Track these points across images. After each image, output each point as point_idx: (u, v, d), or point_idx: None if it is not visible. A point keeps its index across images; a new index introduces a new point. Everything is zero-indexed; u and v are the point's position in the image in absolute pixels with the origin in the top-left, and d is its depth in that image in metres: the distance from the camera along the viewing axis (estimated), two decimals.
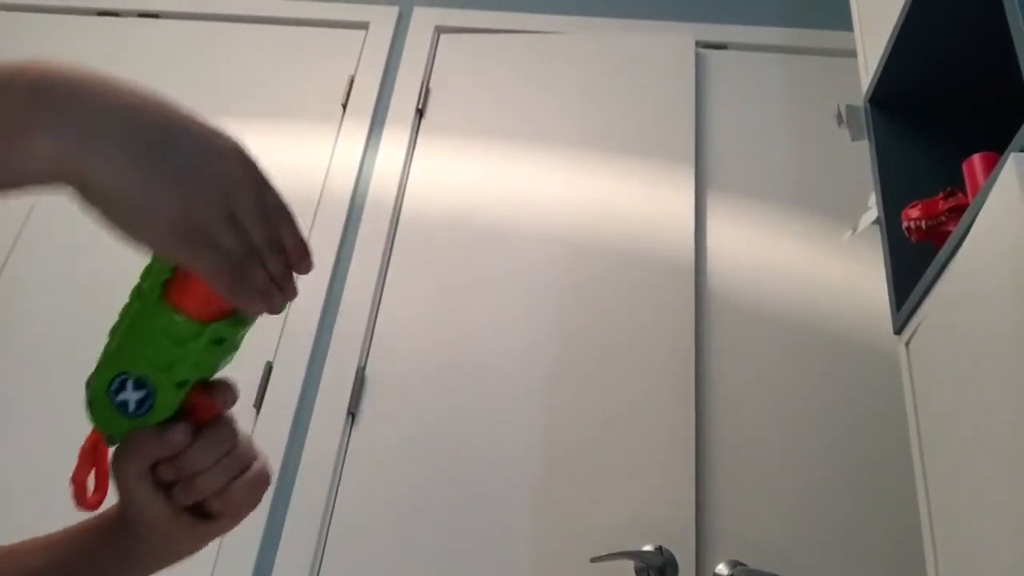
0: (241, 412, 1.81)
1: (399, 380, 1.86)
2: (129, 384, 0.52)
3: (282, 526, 1.71)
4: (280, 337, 1.90)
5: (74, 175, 0.42)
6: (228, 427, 0.56)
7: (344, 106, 2.22)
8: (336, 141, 2.17)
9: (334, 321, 1.92)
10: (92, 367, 0.54)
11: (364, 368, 1.87)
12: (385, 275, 1.99)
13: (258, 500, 0.57)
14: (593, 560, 1.58)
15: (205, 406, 0.55)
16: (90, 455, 0.55)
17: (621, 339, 1.86)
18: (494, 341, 1.88)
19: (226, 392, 0.56)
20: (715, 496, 1.71)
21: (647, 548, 1.62)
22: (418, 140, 2.18)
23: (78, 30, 2.39)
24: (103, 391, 0.53)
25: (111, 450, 0.55)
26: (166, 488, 0.55)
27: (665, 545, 1.63)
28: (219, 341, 0.53)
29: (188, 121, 0.48)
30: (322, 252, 2.01)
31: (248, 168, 0.51)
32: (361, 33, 2.35)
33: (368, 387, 1.85)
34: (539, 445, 1.77)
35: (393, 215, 2.06)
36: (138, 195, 0.43)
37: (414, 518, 1.72)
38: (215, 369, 0.55)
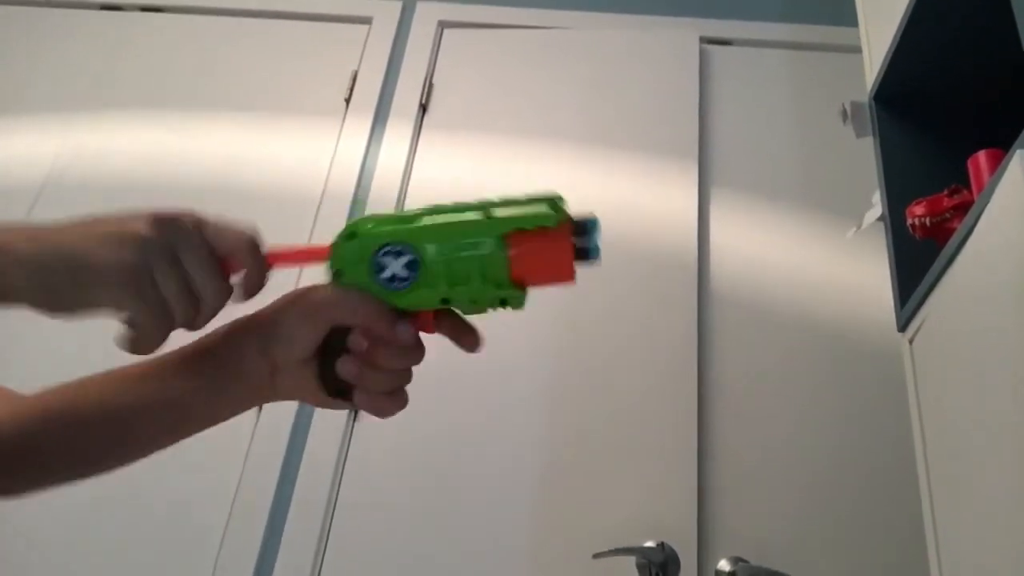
0: None
1: None
2: (404, 258, 0.54)
3: (284, 524, 1.71)
4: None
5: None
6: (422, 351, 0.59)
7: (347, 101, 2.22)
8: (339, 136, 2.16)
9: None
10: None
11: None
12: None
13: (391, 414, 0.59)
14: (595, 556, 1.58)
15: (426, 321, 0.57)
16: (305, 253, 0.57)
17: (624, 334, 1.86)
18: (496, 335, 1.87)
19: (473, 336, 0.60)
20: (717, 492, 1.71)
21: (649, 544, 1.62)
22: (421, 135, 2.18)
23: (82, 24, 2.39)
24: (376, 243, 0.54)
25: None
26: (325, 354, 0.56)
27: (667, 541, 1.62)
28: (504, 303, 0.56)
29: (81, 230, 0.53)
30: None
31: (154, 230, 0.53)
32: (364, 28, 2.35)
33: None
34: (541, 442, 1.77)
35: (396, 210, 2.05)
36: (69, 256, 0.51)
37: (416, 515, 1.72)
38: (474, 313, 0.58)
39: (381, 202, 2.06)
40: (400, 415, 2.03)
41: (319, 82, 2.26)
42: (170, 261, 0.51)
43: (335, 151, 2.14)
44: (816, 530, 1.68)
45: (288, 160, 2.13)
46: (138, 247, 0.50)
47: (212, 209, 2.08)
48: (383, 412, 0.59)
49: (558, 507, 1.70)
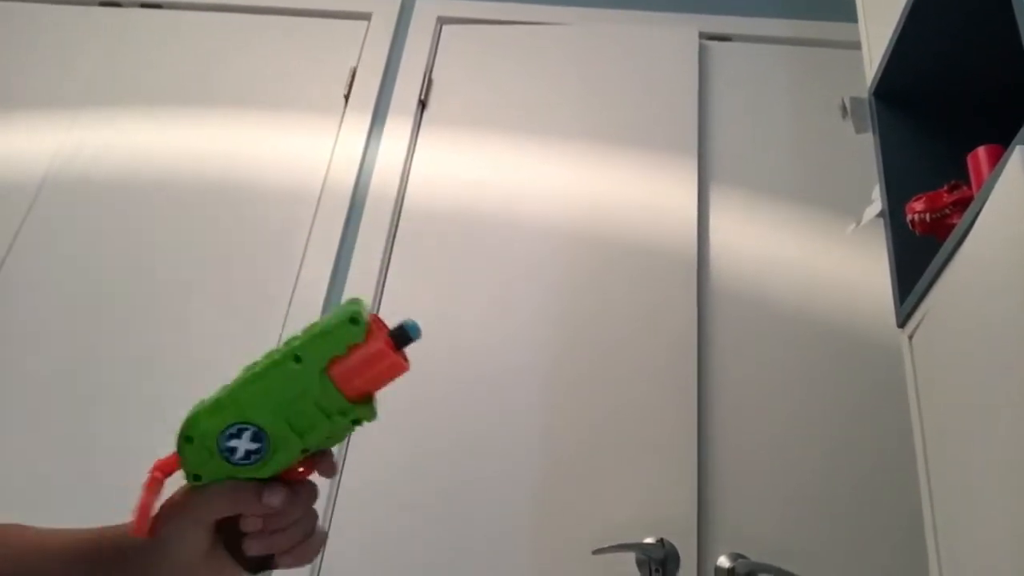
0: None
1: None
2: (247, 434, 0.54)
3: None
4: (282, 331, 1.90)
5: None
6: (313, 490, 0.59)
7: (346, 97, 2.22)
8: (338, 133, 2.16)
9: None
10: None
11: None
12: (387, 267, 1.99)
13: (315, 557, 0.60)
14: (595, 552, 1.58)
15: (297, 469, 0.57)
16: (159, 486, 0.55)
17: (623, 331, 1.86)
18: (496, 333, 1.88)
19: (329, 463, 0.58)
20: (717, 489, 1.71)
21: (649, 540, 1.62)
22: (420, 132, 2.18)
23: (81, 20, 2.39)
24: (214, 433, 0.54)
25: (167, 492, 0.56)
26: (230, 537, 0.56)
27: (667, 537, 1.63)
28: (356, 422, 0.56)
29: None
30: (324, 244, 2.01)
31: None
32: (363, 24, 2.34)
33: None
34: (541, 439, 1.77)
35: (395, 207, 2.05)
36: None
37: (416, 512, 1.72)
38: (334, 445, 0.58)
39: (380, 199, 2.06)
40: (402, 410, 2.04)
41: (318, 78, 2.25)
42: None
43: (334, 148, 2.14)
44: (816, 526, 1.68)
45: (287, 157, 2.13)
46: None
47: (212, 206, 2.08)
48: (305, 558, 0.59)
49: (558, 503, 1.70)
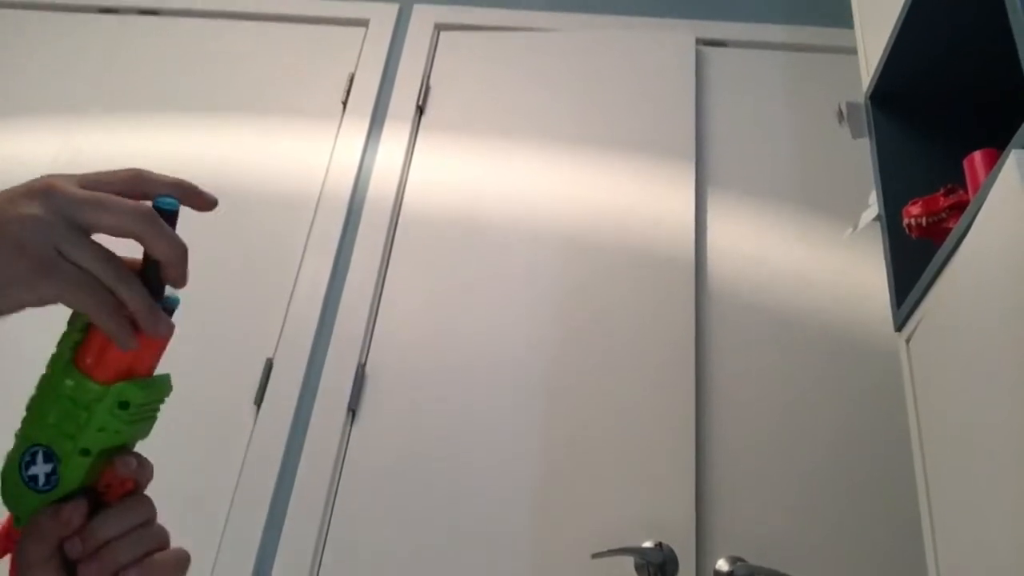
0: (242, 409, 1.82)
1: (400, 376, 1.86)
2: (39, 456, 0.50)
3: (283, 522, 1.71)
4: (281, 333, 1.90)
5: None
6: (143, 501, 0.53)
7: (344, 103, 2.22)
8: (336, 138, 2.17)
9: (334, 318, 1.92)
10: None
11: (364, 365, 1.87)
12: (385, 272, 1.99)
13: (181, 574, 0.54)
14: (594, 556, 1.58)
15: (116, 482, 0.52)
16: (3, 542, 0.52)
17: (621, 335, 1.86)
18: (494, 337, 1.88)
19: (134, 465, 0.52)
20: (715, 492, 1.72)
21: (647, 544, 1.62)
22: (418, 137, 2.18)
23: (79, 27, 2.39)
24: (15, 467, 0.51)
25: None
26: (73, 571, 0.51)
27: (665, 541, 1.63)
28: (124, 405, 0.51)
29: None
30: (322, 250, 2.01)
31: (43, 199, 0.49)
32: (361, 30, 2.35)
33: (368, 383, 1.85)
34: (539, 441, 1.77)
35: (393, 212, 2.06)
36: None
37: (414, 514, 1.72)
38: (125, 439, 0.52)
39: (379, 204, 2.06)
40: (400, 413, 2.04)
41: (316, 85, 2.26)
42: (72, 228, 0.48)
43: (332, 154, 2.14)
44: (814, 529, 1.68)
45: (285, 163, 2.14)
46: (35, 230, 0.47)
47: (210, 212, 2.07)
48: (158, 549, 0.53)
49: (557, 507, 1.70)
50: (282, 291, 1.96)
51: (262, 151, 2.15)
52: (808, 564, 1.63)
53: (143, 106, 2.24)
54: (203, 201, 0.56)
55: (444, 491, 1.74)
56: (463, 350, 1.88)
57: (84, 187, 0.52)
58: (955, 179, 1.28)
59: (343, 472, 1.77)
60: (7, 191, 0.49)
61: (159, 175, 0.54)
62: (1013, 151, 0.96)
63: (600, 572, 1.60)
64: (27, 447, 0.51)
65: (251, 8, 2.39)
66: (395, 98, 2.23)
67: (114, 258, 0.49)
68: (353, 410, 1.83)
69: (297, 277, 1.98)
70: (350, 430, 1.81)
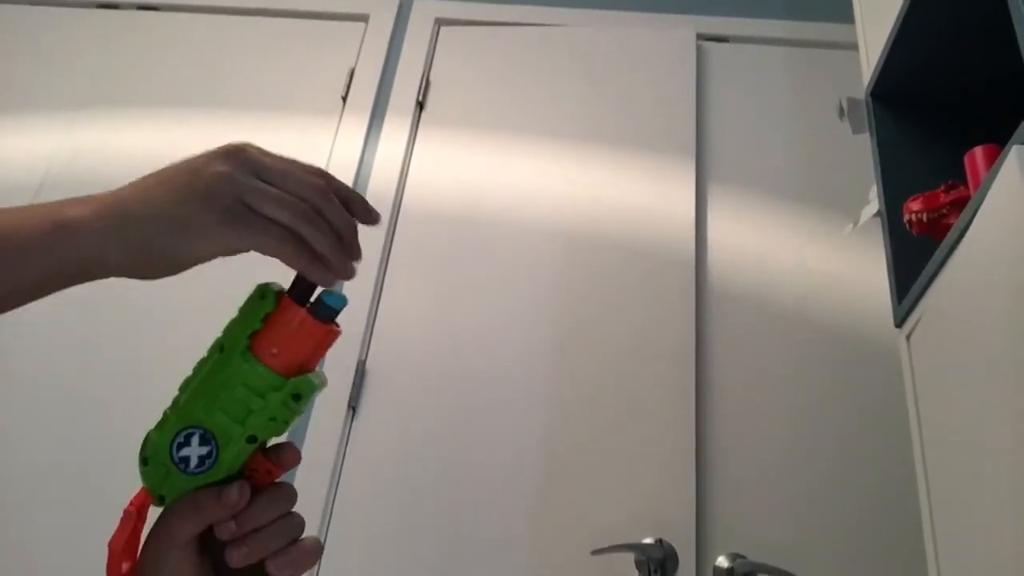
0: None
1: (400, 374, 1.86)
2: (195, 439, 0.52)
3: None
4: None
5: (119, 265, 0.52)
6: (288, 491, 0.55)
7: (344, 99, 2.22)
8: (336, 134, 2.16)
9: None
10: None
11: (365, 362, 1.87)
12: (386, 268, 1.99)
13: (310, 567, 0.55)
14: (594, 553, 1.58)
15: (264, 468, 0.54)
16: (132, 519, 0.53)
17: (621, 332, 1.86)
18: (495, 334, 1.88)
19: (289, 454, 0.55)
20: (715, 489, 1.72)
21: (648, 541, 1.62)
22: (418, 133, 2.18)
23: (78, 23, 2.39)
24: (166, 447, 0.52)
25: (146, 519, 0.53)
26: (211, 554, 0.53)
27: (665, 538, 1.63)
28: (297, 397, 0.53)
29: (166, 170, 0.54)
30: None
31: (235, 158, 0.53)
32: (361, 25, 2.34)
33: (369, 381, 1.85)
34: (540, 438, 1.77)
35: (394, 208, 2.05)
36: (168, 212, 0.51)
37: (415, 511, 1.72)
38: (284, 429, 0.54)
39: (379, 200, 2.06)
40: (401, 411, 2.04)
41: (316, 80, 2.26)
42: (256, 180, 0.52)
43: (332, 149, 2.14)
44: (814, 525, 1.68)
45: None
46: (224, 183, 0.51)
47: None
48: (300, 565, 0.54)
49: (557, 504, 1.70)
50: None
51: (262, 146, 2.15)
52: (808, 560, 1.63)
53: (142, 101, 2.23)
54: (371, 217, 0.60)
55: (444, 488, 1.74)
56: (464, 347, 1.88)
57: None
58: (956, 175, 1.28)
59: (343, 469, 1.77)
60: (205, 153, 0.53)
61: (341, 181, 0.57)
62: (1014, 147, 0.96)
63: (600, 568, 1.60)
64: (182, 428, 0.52)
65: (250, 3, 2.38)
66: (395, 93, 2.22)
67: (298, 205, 0.52)
68: (353, 407, 1.83)
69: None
70: (350, 427, 1.81)
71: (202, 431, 0.52)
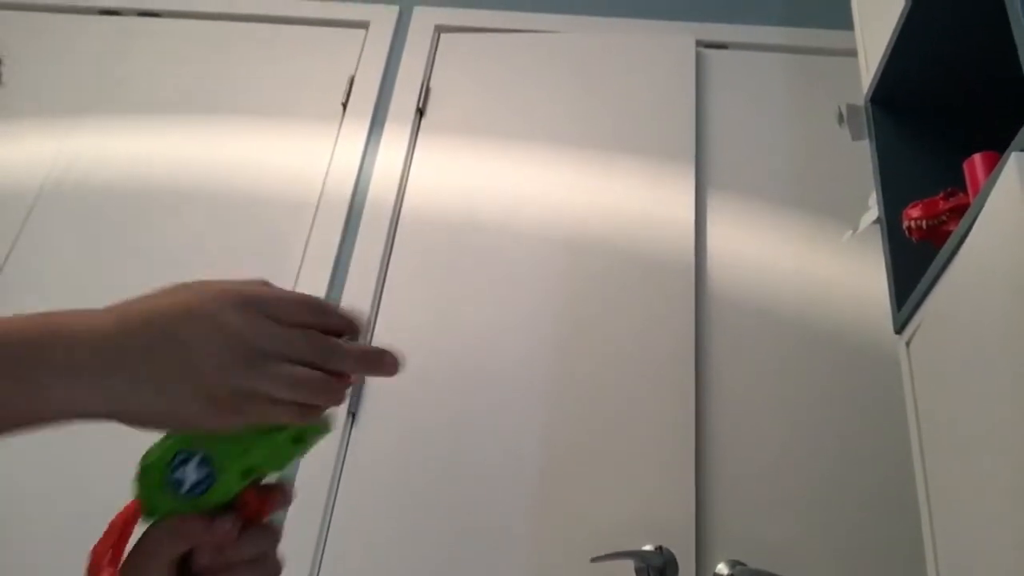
0: None
1: (400, 380, 1.84)
2: (193, 462, 0.51)
3: (282, 525, 1.70)
4: None
5: (94, 416, 0.46)
6: (274, 529, 0.55)
7: (344, 105, 2.22)
8: (336, 141, 2.16)
9: None
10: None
11: None
12: (385, 275, 1.99)
13: None
14: (593, 560, 1.58)
15: (255, 504, 0.54)
16: (119, 529, 0.52)
17: (621, 338, 1.86)
18: (494, 340, 1.88)
19: (281, 494, 0.55)
20: (715, 496, 1.71)
21: (647, 548, 1.62)
22: (418, 140, 2.18)
23: (79, 29, 2.39)
24: (163, 463, 0.51)
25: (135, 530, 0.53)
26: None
27: (665, 545, 1.62)
28: (298, 440, 0.53)
29: (167, 311, 0.48)
30: (322, 252, 2.01)
31: (241, 307, 0.50)
32: (361, 32, 2.35)
33: (369, 387, 1.85)
34: (539, 445, 1.77)
35: (393, 215, 2.05)
36: (163, 409, 0.47)
37: (414, 517, 1.71)
38: (282, 468, 0.54)
39: (379, 207, 2.06)
40: (401, 417, 2.03)
41: (316, 87, 2.26)
42: (261, 361, 0.49)
43: (332, 156, 2.14)
44: (814, 533, 1.68)
45: (285, 165, 2.14)
46: (222, 376, 0.48)
47: (210, 214, 2.09)
48: None
49: (556, 511, 1.70)
50: None
51: (262, 153, 2.15)
52: (808, 567, 1.63)
53: (143, 108, 2.24)
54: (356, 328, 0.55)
55: (444, 494, 1.73)
56: (463, 352, 1.87)
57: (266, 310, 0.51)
58: (955, 182, 1.28)
59: (343, 475, 1.76)
60: (206, 310, 0.48)
61: (333, 312, 0.54)
62: (1013, 153, 0.96)
63: (600, 575, 1.60)
64: (183, 448, 0.51)
65: (251, 10, 2.39)
66: (395, 100, 2.23)
67: (302, 386, 0.50)
68: (353, 413, 1.82)
69: (297, 280, 1.98)
70: (350, 433, 1.81)
71: (202, 455, 0.51)
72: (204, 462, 0.51)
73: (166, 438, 0.52)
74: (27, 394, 0.44)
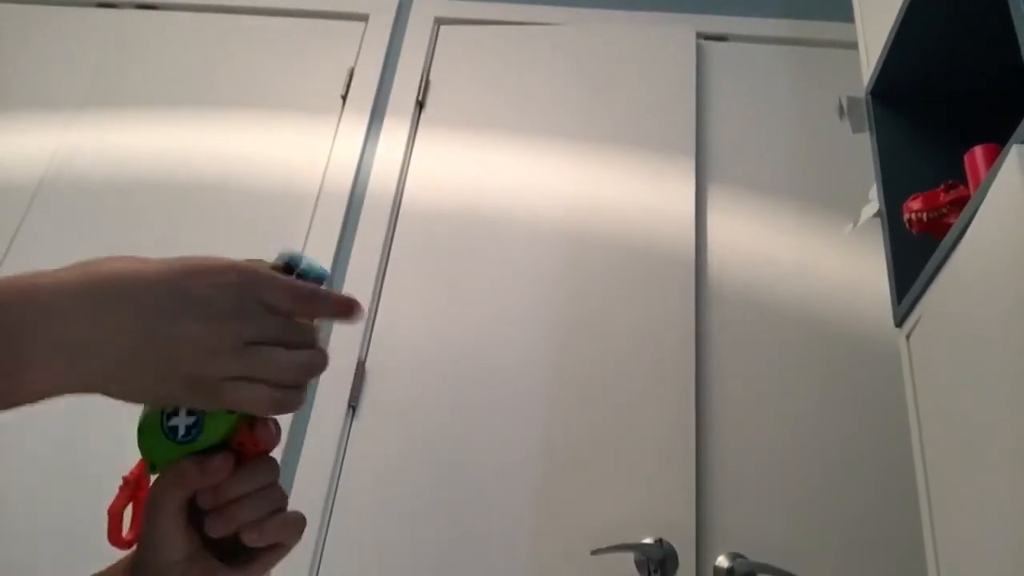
0: None
1: (399, 373, 1.86)
2: (183, 409, 0.53)
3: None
4: None
5: (76, 391, 0.48)
6: (271, 464, 0.56)
7: (344, 98, 2.22)
8: (336, 133, 2.16)
9: None
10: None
11: (364, 361, 1.87)
12: (385, 267, 1.99)
13: (295, 541, 0.56)
14: (594, 552, 1.58)
15: (250, 443, 0.55)
16: (132, 487, 0.55)
17: (621, 331, 1.86)
18: (494, 333, 1.88)
19: (270, 430, 0.56)
20: (715, 489, 1.72)
21: (647, 541, 1.62)
22: (418, 132, 2.18)
23: (77, 22, 2.38)
24: (158, 415, 0.54)
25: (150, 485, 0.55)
26: (199, 524, 0.54)
27: (665, 538, 1.63)
28: None
29: (149, 297, 0.49)
30: (322, 245, 2.01)
31: (237, 293, 0.51)
32: (361, 25, 2.34)
33: (368, 380, 1.85)
34: (540, 438, 1.77)
35: (393, 207, 2.05)
36: (140, 389, 0.49)
37: (415, 511, 1.72)
38: None
39: (378, 200, 2.06)
40: (400, 410, 2.03)
41: (315, 79, 2.25)
42: (247, 353, 0.50)
43: (332, 148, 2.14)
44: (814, 525, 1.68)
45: (285, 158, 2.13)
46: (208, 363, 0.49)
47: (209, 207, 2.08)
48: (277, 536, 0.55)
49: (557, 504, 1.70)
50: None
51: (261, 146, 2.15)
52: (808, 560, 1.63)
53: (141, 101, 2.23)
54: (351, 314, 0.58)
55: (444, 488, 1.73)
56: (463, 346, 1.87)
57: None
58: (956, 174, 1.28)
59: (343, 469, 1.76)
60: (200, 291, 0.49)
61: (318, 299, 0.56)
62: (1014, 146, 0.96)
63: (600, 568, 1.60)
64: None
65: (250, 2, 2.38)
66: (395, 93, 2.22)
67: (272, 359, 0.51)
68: (353, 406, 1.83)
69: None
70: (350, 426, 1.81)
71: None
72: (192, 408, 0.53)
73: None
74: (6, 373, 0.45)
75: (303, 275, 0.56)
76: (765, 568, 1.58)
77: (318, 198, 2.07)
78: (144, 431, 0.54)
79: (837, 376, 1.82)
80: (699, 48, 2.24)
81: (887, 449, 1.72)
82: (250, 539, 0.54)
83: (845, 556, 1.65)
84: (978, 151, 1.19)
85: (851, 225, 1.64)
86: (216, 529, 0.53)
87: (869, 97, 1.56)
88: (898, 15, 1.38)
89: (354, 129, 2.16)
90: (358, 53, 2.29)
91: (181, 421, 0.53)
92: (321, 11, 2.36)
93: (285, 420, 1.80)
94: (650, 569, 1.59)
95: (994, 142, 1.19)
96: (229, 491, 0.54)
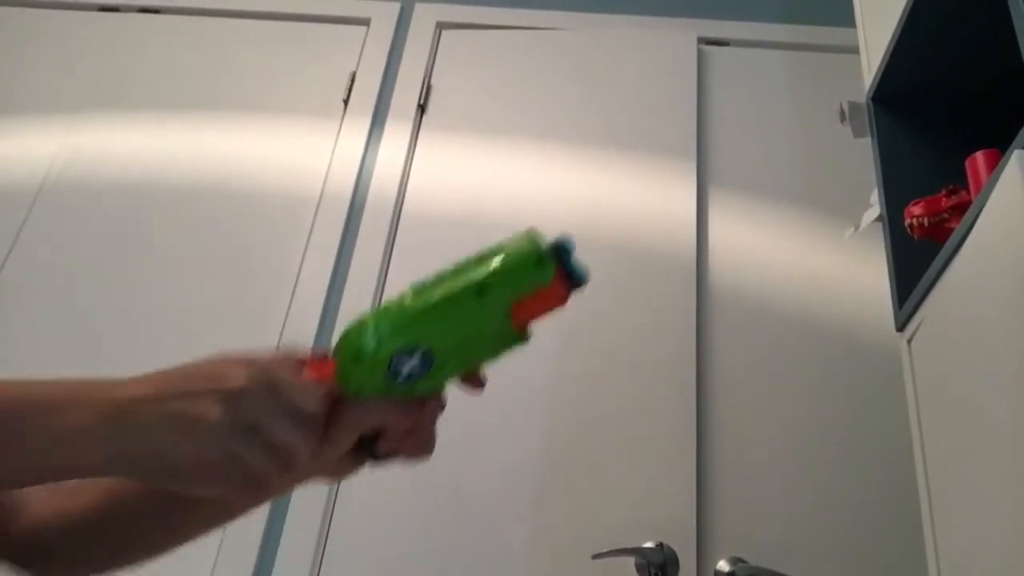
0: None
1: None
2: (418, 355, 0.54)
3: (283, 523, 1.71)
4: (281, 334, 1.90)
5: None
6: (443, 404, 0.61)
7: (345, 102, 2.22)
8: (337, 137, 2.16)
9: (335, 318, 1.92)
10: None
11: None
12: (386, 272, 1.99)
13: (427, 459, 0.64)
14: (595, 557, 1.58)
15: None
16: (327, 366, 0.55)
17: (622, 335, 1.86)
18: None
19: (480, 384, 0.62)
20: (716, 493, 1.71)
21: (648, 545, 1.62)
22: (419, 136, 2.18)
23: (80, 25, 2.39)
24: (389, 353, 0.53)
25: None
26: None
27: (666, 542, 1.62)
28: (512, 344, 0.58)
29: (166, 400, 0.52)
30: (323, 249, 2.01)
31: (266, 394, 0.52)
32: (363, 29, 2.35)
33: None
34: (540, 442, 1.77)
35: (394, 212, 2.05)
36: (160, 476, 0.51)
37: (415, 515, 1.71)
38: (494, 360, 0.59)
39: (380, 204, 2.06)
40: None
41: (317, 84, 2.26)
42: (253, 438, 0.50)
43: (333, 153, 2.14)
44: (815, 530, 1.68)
45: (286, 161, 2.13)
46: (214, 437, 0.49)
47: (211, 210, 2.09)
48: (425, 455, 0.63)
49: (557, 508, 1.70)
50: (283, 291, 1.96)
51: (263, 150, 2.15)
52: (809, 565, 1.63)
53: (143, 104, 2.23)
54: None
55: (444, 492, 1.73)
56: None
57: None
58: (957, 179, 1.28)
59: None
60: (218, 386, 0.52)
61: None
62: (1016, 151, 0.96)
63: (601, 572, 1.60)
64: (414, 341, 0.53)
65: (252, 6, 2.39)
66: (396, 97, 2.22)
67: (280, 450, 0.52)
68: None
69: (298, 277, 1.98)
70: None
71: (426, 350, 0.54)
72: (427, 357, 0.54)
73: (396, 325, 0.54)
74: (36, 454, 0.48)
75: (568, 270, 0.58)
76: (766, 572, 1.58)
77: (319, 202, 2.07)
78: (366, 360, 0.54)
79: (838, 381, 1.82)
80: (700, 53, 2.24)
81: (888, 454, 1.72)
82: (403, 458, 0.61)
83: (846, 560, 1.65)
84: (979, 156, 1.20)
85: (852, 229, 1.64)
86: (383, 451, 0.58)
87: (870, 102, 1.56)
88: (899, 20, 1.39)
89: (355, 133, 2.16)
90: (360, 57, 2.29)
91: (409, 365, 0.54)
92: (323, 15, 2.37)
93: None
94: (651, 573, 1.59)
95: (995, 147, 1.19)
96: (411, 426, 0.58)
